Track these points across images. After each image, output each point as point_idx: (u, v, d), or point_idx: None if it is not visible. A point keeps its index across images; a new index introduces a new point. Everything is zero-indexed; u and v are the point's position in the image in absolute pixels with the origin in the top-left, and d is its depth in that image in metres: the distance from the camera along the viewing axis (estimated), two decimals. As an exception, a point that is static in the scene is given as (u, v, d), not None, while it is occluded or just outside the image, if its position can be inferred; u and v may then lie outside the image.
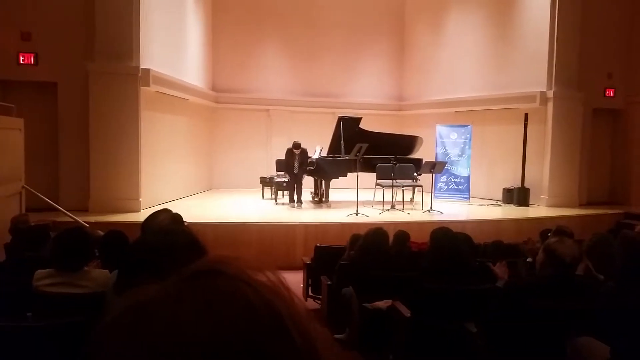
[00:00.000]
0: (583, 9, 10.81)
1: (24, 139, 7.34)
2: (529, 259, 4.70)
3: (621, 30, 11.49)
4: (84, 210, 8.34)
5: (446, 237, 3.77)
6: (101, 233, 4.85)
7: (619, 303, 2.88)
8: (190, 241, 1.46)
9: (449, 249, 3.68)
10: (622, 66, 11.60)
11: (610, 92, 11.58)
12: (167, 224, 2.44)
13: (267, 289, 0.49)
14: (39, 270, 3.05)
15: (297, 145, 9.88)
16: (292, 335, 0.46)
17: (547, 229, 5.05)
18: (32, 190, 7.40)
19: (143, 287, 0.49)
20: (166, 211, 2.51)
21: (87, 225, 6.82)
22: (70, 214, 7.52)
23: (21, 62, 8.55)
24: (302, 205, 10.05)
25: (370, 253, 4.55)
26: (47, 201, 7.50)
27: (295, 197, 10.04)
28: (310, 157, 10.19)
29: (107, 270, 3.14)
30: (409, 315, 3.60)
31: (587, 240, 3.71)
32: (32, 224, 5.39)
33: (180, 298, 0.46)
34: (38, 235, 4.59)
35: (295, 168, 9.91)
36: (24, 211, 7.15)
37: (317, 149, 10.52)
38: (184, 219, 2.91)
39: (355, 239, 5.14)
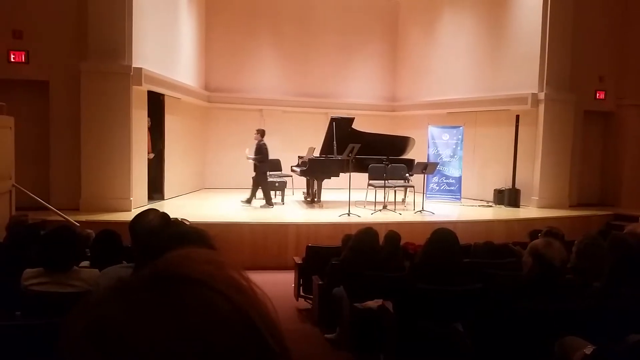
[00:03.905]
0: (575, 12, 10.89)
1: (15, 137, 7.30)
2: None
3: (612, 33, 11.59)
4: (75, 209, 8.29)
5: (446, 237, 3.74)
6: (91, 232, 4.84)
7: (607, 304, 2.91)
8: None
9: (446, 250, 3.68)
10: (613, 69, 11.70)
11: (600, 95, 11.68)
12: (157, 224, 2.44)
13: (234, 291, 0.46)
14: (28, 270, 3.03)
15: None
16: (265, 338, 0.45)
17: (536, 229, 5.08)
18: (23, 188, 7.35)
19: (103, 297, 0.46)
20: (154, 211, 2.51)
21: (78, 225, 6.79)
22: (61, 213, 7.47)
23: (12, 60, 8.48)
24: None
25: (361, 253, 4.56)
26: (37, 200, 7.46)
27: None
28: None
29: (97, 270, 3.12)
30: (398, 315, 3.61)
31: (576, 241, 3.74)
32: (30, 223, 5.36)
33: (147, 311, 0.43)
34: (33, 234, 4.57)
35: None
36: (14, 210, 7.11)
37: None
38: (177, 219, 2.90)
39: (347, 239, 5.16)
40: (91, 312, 0.45)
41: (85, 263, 3.67)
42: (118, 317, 0.43)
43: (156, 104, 10.13)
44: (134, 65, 8.69)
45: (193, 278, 0.46)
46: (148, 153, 9.84)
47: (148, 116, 9.75)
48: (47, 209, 7.55)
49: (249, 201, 10.06)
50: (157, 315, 0.43)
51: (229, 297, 0.45)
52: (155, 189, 10.26)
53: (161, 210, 2.58)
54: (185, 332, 0.42)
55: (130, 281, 0.47)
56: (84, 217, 7.70)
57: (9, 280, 3.18)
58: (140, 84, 8.82)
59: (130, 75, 8.63)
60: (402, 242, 5.47)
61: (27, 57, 8.52)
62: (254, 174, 10.02)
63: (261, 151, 9.87)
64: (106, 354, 0.42)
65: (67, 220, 7.11)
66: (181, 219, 2.40)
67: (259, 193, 10.17)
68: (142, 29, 9.09)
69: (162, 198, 10.33)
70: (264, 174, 10.02)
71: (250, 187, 10.15)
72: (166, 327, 0.42)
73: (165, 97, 10.45)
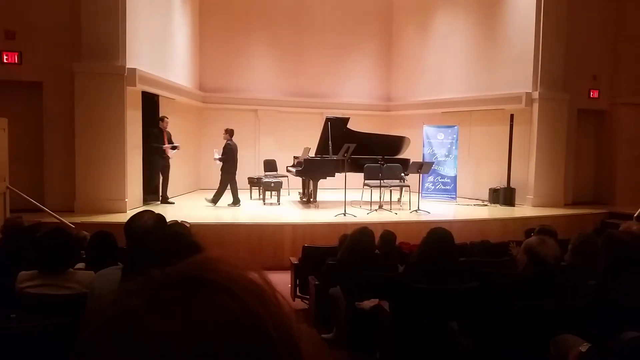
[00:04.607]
0: (568, 11, 10.94)
1: (8, 138, 7.26)
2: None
3: (606, 32, 11.65)
4: (70, 211, 8.25)
5: (442, 237, 3.73)
6: (87, 234, 4.82)
7: (602, 301, 2.92)
8: (194, 245, 1.49)
9: (442, 249, 3.67)
10: (606, 68, 11.76)
11: (594, 94, 11.74)
12: (152, 224, 2.44)
13: (254, 299, 0.47)
14: (22, 272, 3.01)
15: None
16: (276, 348, 0.46)
17: (531, 228, 5.10)
18: (17, 190, 7.31)
19: (124, 295, 0.47)
20: (149, 212, 2.51)
21: (73, 226, 6.76)
22: (56, 215, 7.44)
23: (5, 61, 8.43)
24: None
25: (356, 253, 4.56)
26: (32, 202, 7.42)
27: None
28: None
29: (92, 272, 3.11)
30: (394, 314, 3.61)
31: (572, 239, 3.76)
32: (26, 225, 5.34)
33: (164, 310, 0.45)
34: (28, 236, 4.54)
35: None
36: (8, 212, 7.07)
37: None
38: (177, 222, 2.90)
39: (344, 239, 5.15)
40: (116, 304, 0.47)
41: (81, 265, 3.65)
42: (138, 311, 0.45)
43: (150, 105, 10.09)
44: (128, 65, 8.66)
45: (216, 282, 0.47)
46: (175, 148, 10.01)
47: (162, 118, 9.99)
48: (41, 210, 7.52)
49: (235, 203, 10.03)
50: (172, 313, 0.45)
51: (246, 304, 0.46)
52: (150, 191, 10.21)
53: (156, 212, 2.58)
54: (195, 333, 0.43)
55: (158, 279, 0.48)
56: (78, 219, 7.67)
57: (4, 283, 3.16)
58: (134, 85, 8.78)
59: (124, 76, 8.59)
60: (398, 241, 5.48)
61: (20, 58, 8.48)
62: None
63: (225, 151, 9.92)
64: (121, 344, 0.43)
65: (62, 222, 7.08)
66: (181, 221, 2.40)
67: (254, 194, 10.17)
68: (136, 29, 9.06)
69: (157, 199, 10.29)
70: (231, 174, 9.99)
71: (231, 190, 10.10)
72: (178, 325, 0.44)
73: (160, 98, 10.41)
